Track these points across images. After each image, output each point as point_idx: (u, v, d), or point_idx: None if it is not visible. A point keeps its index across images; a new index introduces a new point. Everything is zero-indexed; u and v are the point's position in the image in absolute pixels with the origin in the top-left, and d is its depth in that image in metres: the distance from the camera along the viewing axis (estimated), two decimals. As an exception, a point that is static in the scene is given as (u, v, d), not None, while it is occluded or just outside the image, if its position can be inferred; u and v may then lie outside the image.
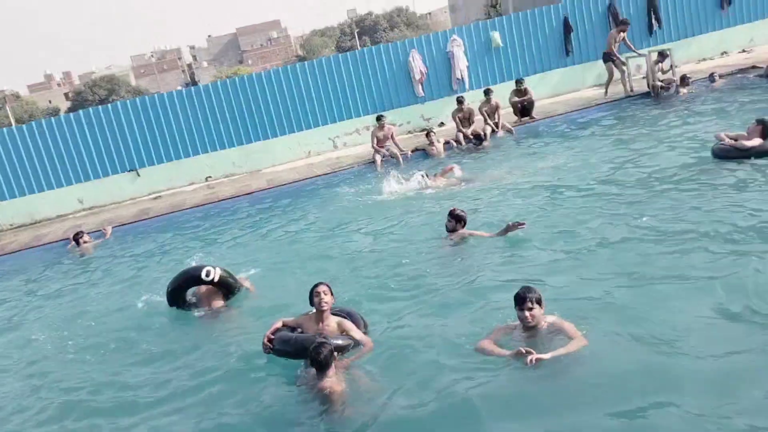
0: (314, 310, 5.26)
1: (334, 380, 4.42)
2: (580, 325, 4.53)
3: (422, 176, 9.99)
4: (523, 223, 6.76)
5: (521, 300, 4.47)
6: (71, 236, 10.78)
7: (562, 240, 6.67)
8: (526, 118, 13.83)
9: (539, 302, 4.49)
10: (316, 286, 5.28)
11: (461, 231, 7.20)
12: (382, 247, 7.68)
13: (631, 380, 4.02)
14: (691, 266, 5.39)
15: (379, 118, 13.02)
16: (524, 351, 4.17)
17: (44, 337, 6.75)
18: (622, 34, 14.15)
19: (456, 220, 7.22)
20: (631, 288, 5.26)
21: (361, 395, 4.52)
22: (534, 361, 4.09)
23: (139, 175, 14.30)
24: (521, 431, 3.85)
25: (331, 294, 5.30)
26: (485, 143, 12.61)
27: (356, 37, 71.22)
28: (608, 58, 14.32)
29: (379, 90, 15.36)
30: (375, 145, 12.69)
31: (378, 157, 12.45)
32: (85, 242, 10.62)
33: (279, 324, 5.39)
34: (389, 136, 12.75)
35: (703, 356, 4.11)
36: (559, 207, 7.81)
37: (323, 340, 4.58)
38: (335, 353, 4.60)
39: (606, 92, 14.43)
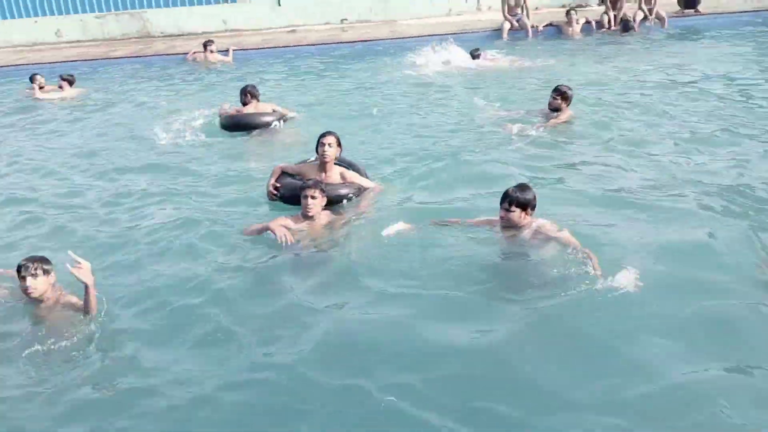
0: (317, 159, 5.22)
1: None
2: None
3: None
4: None
5: (503, 197, 4.17)
6: None
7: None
8: (690, 10, 11.96)
9: (523, 206, 4.11)
10: (323, 135, 5.14)
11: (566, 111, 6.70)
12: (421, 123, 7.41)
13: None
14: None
15: (511, -20, 11.84)
16: None
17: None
18: None
19: (562, 97, 6.63)
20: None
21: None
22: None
23: (279, 5, 14.58)
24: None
25: (339, 145, 5.17)
26: (632, 32, 11.22)
27: None
28: None
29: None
30: (506, 13, 11.74)
31: (506, 26, 11.58)
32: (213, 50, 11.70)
33: (278, 171, 5.34)
34: (521, 4, 11.69)
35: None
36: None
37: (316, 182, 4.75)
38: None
39: None
